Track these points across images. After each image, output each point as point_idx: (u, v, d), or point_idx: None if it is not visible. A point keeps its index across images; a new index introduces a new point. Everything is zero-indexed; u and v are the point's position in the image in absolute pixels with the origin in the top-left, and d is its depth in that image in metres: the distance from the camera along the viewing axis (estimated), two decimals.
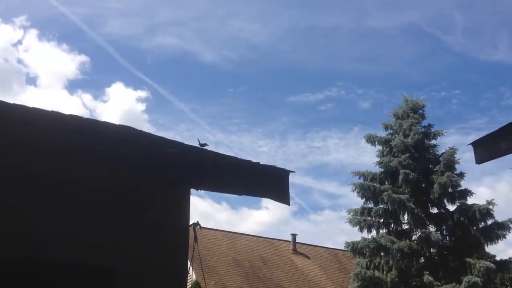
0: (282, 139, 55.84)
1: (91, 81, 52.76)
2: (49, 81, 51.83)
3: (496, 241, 19.90)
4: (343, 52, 53.14)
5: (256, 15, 52.54)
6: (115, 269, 4.67)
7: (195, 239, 5.87)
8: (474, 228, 20.16)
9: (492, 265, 18.62)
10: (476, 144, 5.02)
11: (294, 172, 5.34)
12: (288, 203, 5.35)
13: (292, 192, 5.39)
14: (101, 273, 4.63)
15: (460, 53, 50.00)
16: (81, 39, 50.46)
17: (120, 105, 49.60)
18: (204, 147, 5.19)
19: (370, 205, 21.54)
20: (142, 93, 54.31)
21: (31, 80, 52.89)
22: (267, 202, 50.05)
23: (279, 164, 5.33)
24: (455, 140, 55.58)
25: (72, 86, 56.97)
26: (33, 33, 50.57)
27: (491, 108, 53.80)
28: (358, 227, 20.92)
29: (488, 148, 5.00)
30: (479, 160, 5.02)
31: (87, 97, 58.59)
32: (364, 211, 21.33)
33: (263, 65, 56.44)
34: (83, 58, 53.50)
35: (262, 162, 5.29)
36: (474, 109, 53.95)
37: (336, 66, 53.47)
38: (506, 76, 50.97)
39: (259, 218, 49.46)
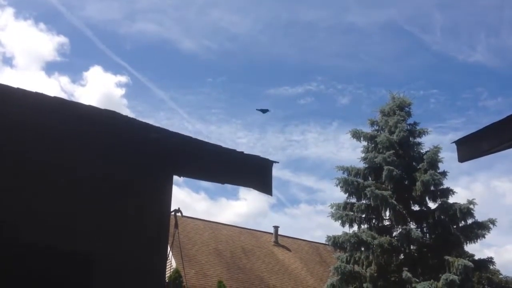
0: (261, 131, 55.74)
1: (69, 64, 52.04)
2: (26, 62, 51.08)
3: (476, 240, 20.17)
4: (323, 47, 53.15)
5: (236, 7, 52.31)
6: (94, 254, 4.61)
7: (176, 226, 5.83)
8: (454, 226, 20.38)
9: (470, 264, 18.80)
10: (459, 143, 5.05)
11: (278, 162, 5.33)
12: (270, 193, 5.34)
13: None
14: (79, 258, 4.57)
15: (438, 53, 50.21)
16: (59, 20, 49.80)
17: (99, 89, 48.93)
18: (265, 113, 5.13)
19: (353, 200, 21.66)
20: (122, 78, 53.65)
21: (7, 60, 52.17)
22: (245, 193, 49.98)
23: None
24: (432, 139, 55.99)
25: (50, 68, 56.17)
26: (9, 11, 49.63)
27: (469, 108, 54.35)
28: (340, 221, 21.01)
29: (471, 147, 5.03)
30: (462, 158, 5.05)
31: (64, 80, 57.86)
32: (346, 205, 21.43)
33: (243, 56, 56.28)
34: (61, 39, 52.70)
35: None
36: (451, 109, 54.38)
37: (316, 60, 53.52)
38: (483, 77, 51.59)
39: (237, 209, 49.40)
